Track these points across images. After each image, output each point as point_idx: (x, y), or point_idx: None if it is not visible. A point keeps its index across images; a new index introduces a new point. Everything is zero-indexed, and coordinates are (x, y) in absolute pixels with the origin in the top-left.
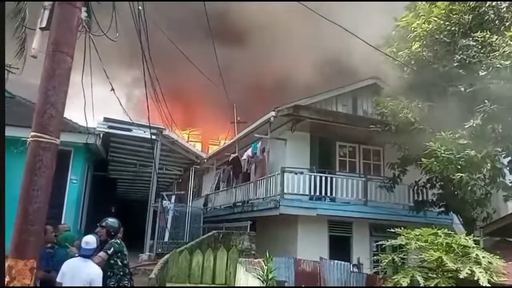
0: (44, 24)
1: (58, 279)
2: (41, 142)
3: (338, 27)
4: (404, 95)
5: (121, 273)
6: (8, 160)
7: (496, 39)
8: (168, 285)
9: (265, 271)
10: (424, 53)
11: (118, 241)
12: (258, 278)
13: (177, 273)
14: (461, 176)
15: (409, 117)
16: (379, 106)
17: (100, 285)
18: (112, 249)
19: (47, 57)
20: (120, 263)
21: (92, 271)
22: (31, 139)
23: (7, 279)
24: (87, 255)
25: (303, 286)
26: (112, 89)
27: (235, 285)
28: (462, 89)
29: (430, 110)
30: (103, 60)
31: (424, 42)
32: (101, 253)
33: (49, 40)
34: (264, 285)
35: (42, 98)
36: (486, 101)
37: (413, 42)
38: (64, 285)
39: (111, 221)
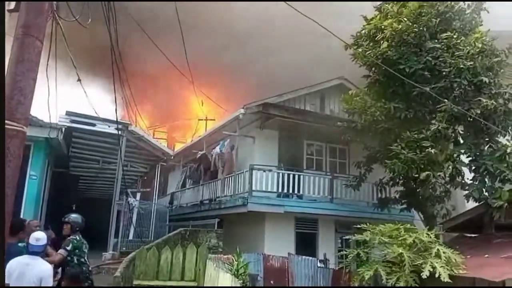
0: (12, 6)
1: (6, 280)
2: (8, 130)
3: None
4: (371, 95)
5: (78, 270)
6: None
7: (461, 41)
8: (135, 282)
9: (236, 265)
10: (391, 53)
11: (77, 238)
12: (230, 273)
13: (145, 270)
14: (427, 174)
15: (376, 116)
16: (347, 104)
17: (51, 283)
18: (70, 245)
19: (15, 41)
20: (76, 261)
21: (42, 268)
22: None
23: None
24: (38, 251)
25: (281, 286)
26: (79, 80)
27: (205, 281)
28: (427, 89)
29: (396, 110)
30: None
31: (392, 42)
32: (61, 250)
33: (18, 23)
34: (236, 279)
35: (10, 83)
36: (446, 100)
37: (382, 42)
38: (12, 284)
39: (74, 216)
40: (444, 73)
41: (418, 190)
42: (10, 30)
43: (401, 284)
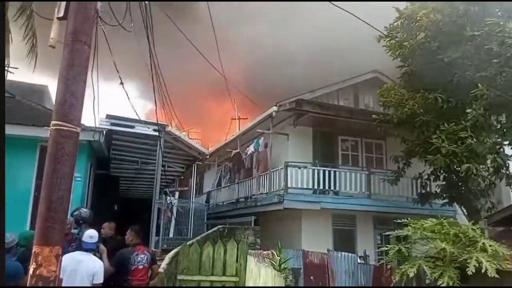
0: (61, 14)
1: (60, 275)
2: (62, 131)
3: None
4: (408, 87)
5: None
6: (13, 158)
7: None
8: (179, 277)
9: (277, 261)
10: (429, 44)
11: None
12: (273, 267)
13: (188, 266)
14: (468, 166)
15: (414, 109)
16: (383, 97)
17: (102, 277)
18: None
19: (65, 47)
20: None
21: (96, 264)
22: (52, 128)
23: (33, 266)
24: (91, 248)
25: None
26: (121, 83)
27: (247, 276)
28: (468, 78)
29: (436, 101)
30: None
31: (429, 33)
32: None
33: (67, 30)
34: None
35: (62, 87)
36: (487, 89)
37: (418, 33)
38: (64, 280)
39: (84, 211)
40: (487, 61)
41: (460, 184)
42: (60, 37)
43: (445, 280)
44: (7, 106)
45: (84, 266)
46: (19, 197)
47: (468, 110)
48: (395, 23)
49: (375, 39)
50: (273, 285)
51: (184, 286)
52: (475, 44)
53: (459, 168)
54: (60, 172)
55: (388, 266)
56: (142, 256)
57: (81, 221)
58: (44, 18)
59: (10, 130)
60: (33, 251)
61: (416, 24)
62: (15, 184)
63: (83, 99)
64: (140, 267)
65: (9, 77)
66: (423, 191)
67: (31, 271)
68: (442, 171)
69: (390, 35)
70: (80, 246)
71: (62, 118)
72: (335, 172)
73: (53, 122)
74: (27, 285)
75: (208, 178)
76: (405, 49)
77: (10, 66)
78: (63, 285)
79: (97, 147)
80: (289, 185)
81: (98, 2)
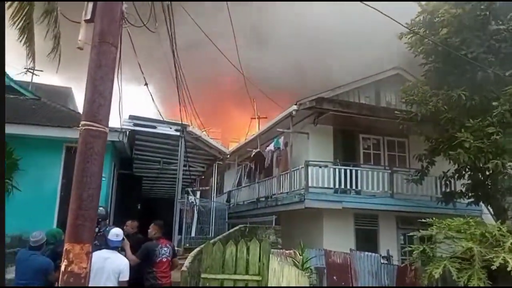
0: (88, 16)
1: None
2: (91, 131)
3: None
4: (431, 84)
5: None
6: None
7: None
8: (203, 276)
9: (301, 260)
10: (451, 39)
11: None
12: (296, 266)
13: (212, 264)
14: (496, 163)
15: (438, 106)
16: (405, 94)
17: (128, 274)
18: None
19: (93, 48)
20: None
21: (122, 261)
22: (82, 128)
23: (64, 263)
24: (117, 246)
25: None
26: (146, 84)
27: (269, 275)
28: (492, 74)
29: (461, 98)
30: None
31: (452, 28)
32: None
33: (94, 31)
34: (303, 273)
35: (90, 88)
36: None
37: (440, 28)
38: (91, 277)
39: (100, 209)
40: None
41: (486, 182)
42: (88, 39)
43: (475, 281)
44: (32, 108)
45: (110, 264)
46: (45, 197)
47: (494, 103)
48: (417, 19)
49: (397, 36)
50: (297, 284)
51: (207, 284)
52: (499, 39)
53: (485, 166)
54: (90, 171)
55: (412, 267)
56: (166, 249)
57: (99, 219)
58: (70, 21)
59: (36, 131)
60: (64, 248)
61: (439, 19)
62: (42, 184)
63: (111, 99)
64: (164, 259)
65: (34, 79)
66: (448, 190)
67: (62, 268)
68: (467, 169)
69: (412, 31)
70: (105, 243)
71: (91, 118)
72: (356, 171)
73: (82, 122)
74: (59, 281)
75: (228, 178)
76: (427, 45)
77: (36, 69)
78: (90, 282)
79: (120, 147)
80: (310, 184)
81: (124, 3)
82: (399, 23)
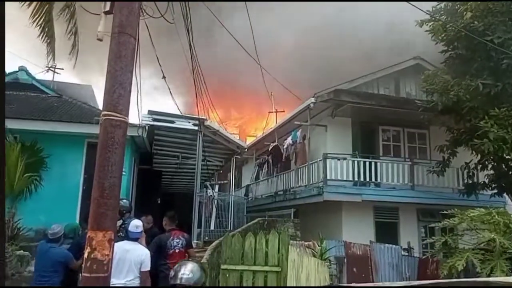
0: (107, 8)
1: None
2: (112, 120)
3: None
4: (452, 72)
5: None
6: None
7: None
8: (223, 267)
9: (319, 251)
10: (476, 24)
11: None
12: (314, 256)
13: (231, 255)
14: None
15: (460, 95)
16: (427, 83)
17: (149, 265)
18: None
19: (112, 39)
20: None
21: (143, 252)
22: (103, 118)
23: (87, 250)
24: (137, 238)
25: None
26: (164, 77)
27: (288, 266)
28: None
29: (484, 86)
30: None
31: (477, 13)
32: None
33: (114, 23)
34: (322, 262)
35: (110, 78)
36: None
37: (465, 13)
38: (113, 268)
39: (124, 201)
40: None
41: (511, 173)
42: (107, 31)
43: (497, 273)
44: (54, 105)
45: (132, 254)
46: (68, 191)
47: None
48: (438, 6)
49: (417, 23)
50: (316, 274)
51: (227, 275)
52: None
53: (509, 156)
54: (111, 160)
55: (434, 259)
56: (178, 240)
57: (124, 211)
58: (90, 13)
59: (58, 127)
60: (87, 235)
61: (462, 4)
62: (64, 179)
63: (131, 89)
64: (177, 251)
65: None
66: (470, 182)
67: (85, 255)
68: (490, 160)
69: (433, 18)
70: (127, 235)
71: (112, 109)
72: (376, 163)
73: (103, 112)
74: (83, 268)
75: (246, 172)
76: (450, 32)
77: (57, 67)
78: (112, 272)
79: (140, 142)
80: (328, 177)
81: None
82: (422, 10)
